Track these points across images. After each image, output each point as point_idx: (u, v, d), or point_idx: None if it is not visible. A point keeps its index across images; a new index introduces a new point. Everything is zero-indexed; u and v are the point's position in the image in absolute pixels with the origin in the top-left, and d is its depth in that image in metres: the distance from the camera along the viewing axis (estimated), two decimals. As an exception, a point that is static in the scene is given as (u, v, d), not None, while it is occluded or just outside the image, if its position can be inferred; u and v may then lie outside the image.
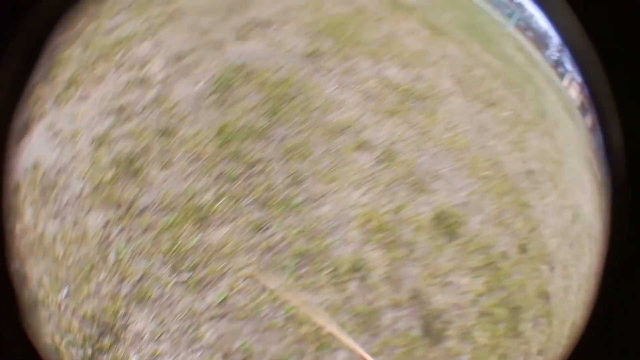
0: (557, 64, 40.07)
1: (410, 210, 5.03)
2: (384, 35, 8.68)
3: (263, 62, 6.17)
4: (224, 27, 6.79)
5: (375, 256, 4.34)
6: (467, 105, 7.91)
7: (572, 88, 39.43)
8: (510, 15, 29.88)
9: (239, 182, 4.42)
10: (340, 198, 4.71)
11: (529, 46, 30.42)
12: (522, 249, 5.81)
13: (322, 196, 4.59)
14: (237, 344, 3.53)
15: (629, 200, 0.95)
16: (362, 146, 5.52)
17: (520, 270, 5.49)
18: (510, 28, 28.50)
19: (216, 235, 3.96)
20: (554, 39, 45.22)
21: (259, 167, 4.61)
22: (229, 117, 5.17)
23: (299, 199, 4.45)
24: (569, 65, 41.95)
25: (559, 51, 43.15)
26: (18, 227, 3.68)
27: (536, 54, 30.90)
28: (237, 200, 4.25)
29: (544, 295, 5.95)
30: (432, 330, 4.23)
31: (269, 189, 4.42)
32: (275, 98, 5.58)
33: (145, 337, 3.40)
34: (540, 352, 5.30)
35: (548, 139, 10.72)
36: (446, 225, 5.12)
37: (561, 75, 37.99)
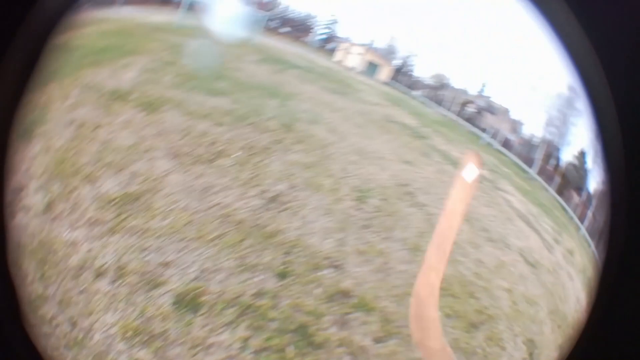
0: (326, 42, 42.32)
1: (152, 307, 6.18)
2: (100, 146, 9.48)
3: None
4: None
5: (142, 354, 5.54)
6: (185, 177, 8.98)
7: (350, 56, 41.76)
8: (256, 24, 31.21)
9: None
10: (101, 325, 5.78)
11: (280, 45, 31.79)
12: (282, 275, 7.09)
13: (90, 329, 5.64)
14: None
15: (627, 201, 1.08)
16: (99, 275, 6.44)
17: (288, 294, 6.74)
18: (257, 38, 29.37)
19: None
20: (318, 17, 47.11)
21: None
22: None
23: (80, 336, 5.52)
24: (341, 35, 44.07)
25: (328, 27, 45.25)
26: None
27: (291, 48, 31.69)
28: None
29: (343, 294, 7.25)
30: (215, 384, 5.66)
31: (65, 335, 5.49)
32: (38, 263, 6.30)
33: None
34: (379, 339, 6.68)
35: (300, 146, 12.26)
36: (187, 302, 6.32)
37: (331, 52, 40.27)
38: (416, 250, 9.96)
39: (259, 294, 6.52)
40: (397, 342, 6.78)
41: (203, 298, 6.29)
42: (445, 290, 9.03)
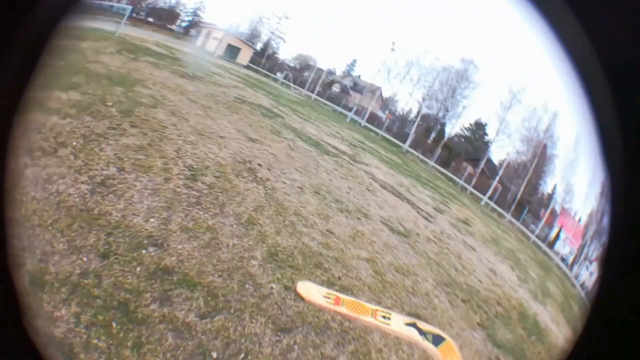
0: (190, 28, 43.20)
1: (20, 284, 6.29)
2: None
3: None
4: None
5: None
6: (35, 169, 9.12)
7: (211, 40, 42.77)
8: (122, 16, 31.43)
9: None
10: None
11: (144, 35, 31.92)
12: (105, 255, 7.35)
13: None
14: None
15: (627, 203, 1.08)
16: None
17: (110, 273, 7.01)
18: (121, 30, 29.61)
19: None
20: (184, 5, 48.02)
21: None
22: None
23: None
24: (205, 20, 45.16)
25: (192, 15, 46.11)
26: None
27: (154, 37, 32.01)
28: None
29: (164, 271, 7.52)
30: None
31: None
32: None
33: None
34: (204, 315, 6.90)
35: (135, 130, 12.87)
36: (37, 281, 6.44)
37: (194, 37, 41.12)
38: (250, 224, 10.41)
39: (84, 274, 6.75)
40: (225, 317, 7.02)
41: (46, 277, 6.48)
42: (284, 262, 9.46)
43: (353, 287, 9.91)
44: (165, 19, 43.73)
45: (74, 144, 10.42)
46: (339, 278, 10.01)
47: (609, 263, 1.16)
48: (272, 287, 8.32)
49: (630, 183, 1.10)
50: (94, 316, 6.08)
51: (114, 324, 6.09)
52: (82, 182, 8.99)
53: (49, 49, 1.33)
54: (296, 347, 7.15)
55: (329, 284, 9.52)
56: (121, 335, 5.97)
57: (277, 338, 7.13)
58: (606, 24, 1.08)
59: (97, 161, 9.98)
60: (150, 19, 42.65)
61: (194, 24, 48.31)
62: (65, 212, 7.97)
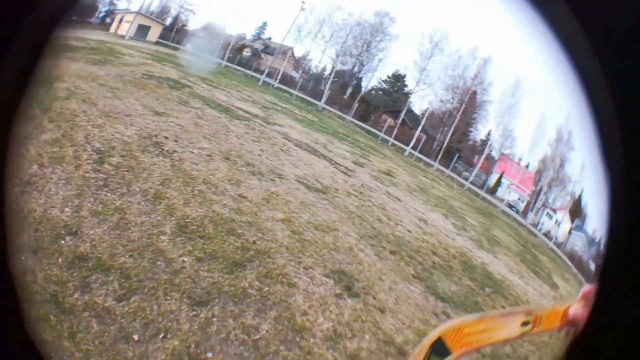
0: (106, 17, 43.43)
1: None
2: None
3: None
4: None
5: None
6: None
7: (123, 24, 42.58)
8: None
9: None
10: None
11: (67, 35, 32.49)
12: (35, 251, 7.57)
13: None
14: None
15: (628, 202, 1.06)
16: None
17: (40, 268, 7.20)
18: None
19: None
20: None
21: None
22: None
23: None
24: (119, 7, 45.54)
25: (108, 5, 46.36)
26: None
27: (75, 34, 32.06)
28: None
29: (80, 258, 7.66)
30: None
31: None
32: None
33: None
34: (121, 298, 7.04)
35: (52, 125, 12.95)
36: None
37: (109, 25, 41.25)
38: (157, 199, 10.50)
39: (24, 272, 6.65)
40: (140, 297, 7.13)
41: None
42: (195, 233, 9.53)
43: (269, 250, 10.08)
44: (85, 14, 44.06)
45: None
46: (254, 242, 10.16)
47: (613, 244, 1.12)
48: (183, 261, 8.42)
49: (630, 186, 1.08)
50: (37, 311, 6.21)
51: (51, 317, 6.24)
52: (15, 185, 8.83)
53: (45, 55, 1.30)
54: (215, 319, 7.24)
55: (244, 249, 9.63)
56: (58, 327, 6.12)
57: (194, 312, 7.23)
58: (606, 25, 1.07)
59: (24, 162, 9.91)
60: (73, 18, 43.24)
61: (110, 13, 49.04)
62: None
